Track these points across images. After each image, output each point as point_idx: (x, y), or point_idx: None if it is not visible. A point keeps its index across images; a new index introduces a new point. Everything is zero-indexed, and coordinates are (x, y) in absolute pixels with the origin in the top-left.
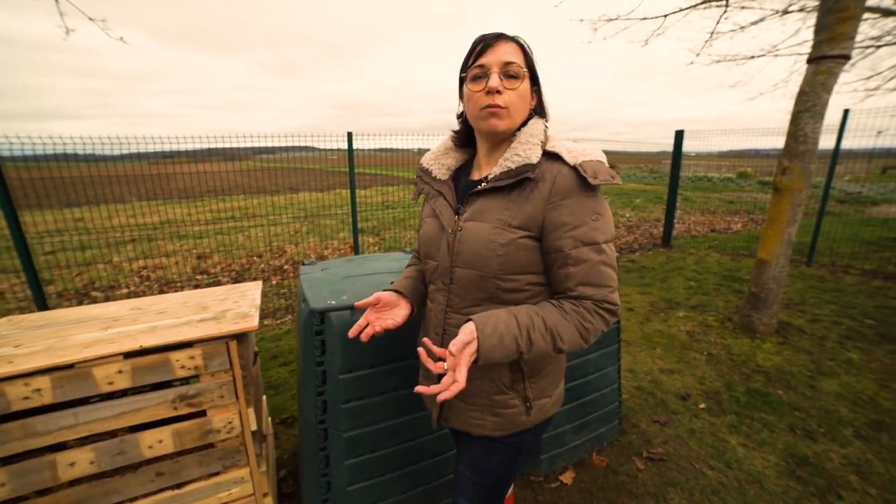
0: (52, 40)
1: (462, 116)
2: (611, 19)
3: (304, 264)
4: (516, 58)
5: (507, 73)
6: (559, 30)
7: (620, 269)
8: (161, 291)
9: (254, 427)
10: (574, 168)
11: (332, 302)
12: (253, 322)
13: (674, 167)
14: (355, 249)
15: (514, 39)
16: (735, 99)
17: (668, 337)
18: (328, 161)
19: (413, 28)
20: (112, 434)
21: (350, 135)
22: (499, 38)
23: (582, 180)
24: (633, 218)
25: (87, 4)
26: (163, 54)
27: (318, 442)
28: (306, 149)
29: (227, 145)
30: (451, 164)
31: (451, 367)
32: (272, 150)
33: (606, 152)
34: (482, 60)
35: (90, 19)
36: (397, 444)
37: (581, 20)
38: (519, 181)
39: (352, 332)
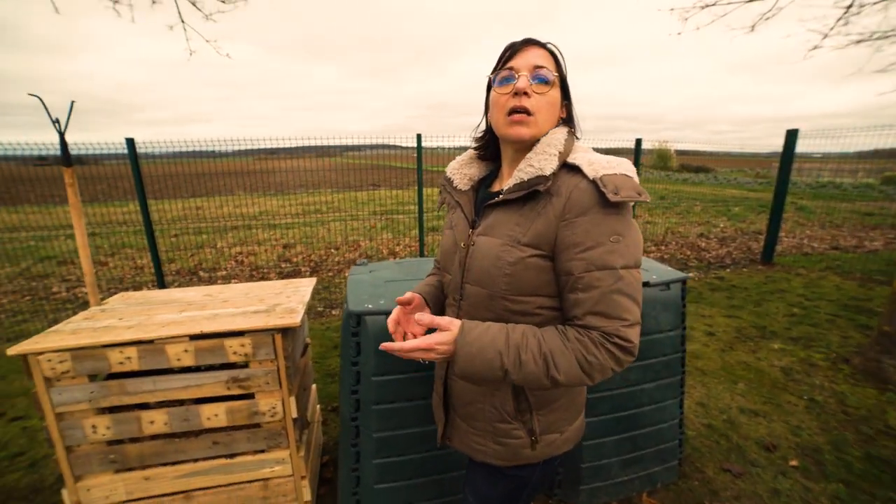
0: (194, 59)
1: (485, 132)
2: (706, 5)
3: (355, 264)
4: (547, 63)
5: (537, 76)
6: (649, 21)
7: (705, 286)
8: (251, 275)
9: (294, 415)
10: (593, 182)
11: (370, 306)
12: (296, 319)
13: (782, 171)
14: (420, 248)
15: (545, 45)
16: (884, 86)
17: (755, 371)
18: (410, 159)
19: (499, 27)
20: (181, 402)
21: (419, 137)
22: (530, 42)
23: (601, 196)
24: (728, 228)
25: (212, 27)
26: (272, 63)
27: (351, 438)
28: (389, 147)
29: (320, 143)
30: (474, 175)
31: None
32: (358, 148)
33: (703, 153)
34: (511, 63)
35: (207, 41)
36: (425, 451)
37: (671, 9)
38: (532, 194)
39: (383, 347)
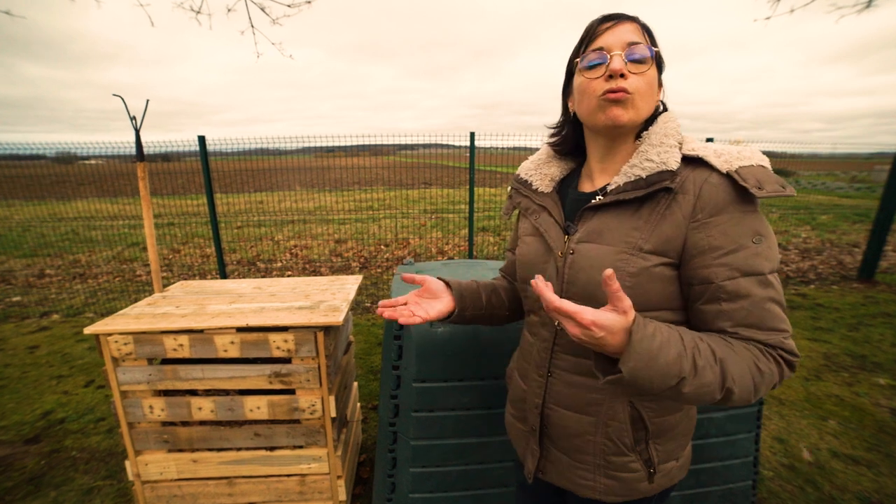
0: (261, 64)
1: (562, 123)
2: None
3: (401, 264)
4: (641, 38)
5: (632, 54)
6: (721, 11)
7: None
8: (304, 268)
9: (333, 414)
10: (728, 175)
11: None
12: (339, 318)
13: (895, 174)
14: (469, 248)
15: (636, 19)
16: None
17: (852, 409)
18: (462, 158)
19: (557, 26)
20: (226, 392)
21: (472, 135)
22: (620, 17)
23: (741, 191)
24: (813, 239)
25: (278, 31)
26: (333, 65)
27: (388, 444)
28: (442, 146)
29: (374, 142)
30: (556, 175)
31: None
32: (412, 147)
33: (782, 154)
34: (600, 42)
35: (272, 44)
36: (465, 464)
37: None
38: (651, 193)
39: (382, 304)
